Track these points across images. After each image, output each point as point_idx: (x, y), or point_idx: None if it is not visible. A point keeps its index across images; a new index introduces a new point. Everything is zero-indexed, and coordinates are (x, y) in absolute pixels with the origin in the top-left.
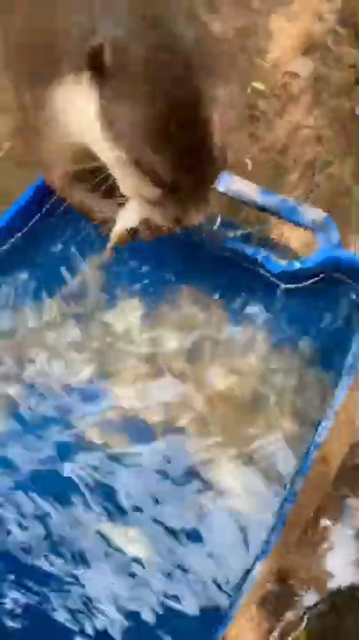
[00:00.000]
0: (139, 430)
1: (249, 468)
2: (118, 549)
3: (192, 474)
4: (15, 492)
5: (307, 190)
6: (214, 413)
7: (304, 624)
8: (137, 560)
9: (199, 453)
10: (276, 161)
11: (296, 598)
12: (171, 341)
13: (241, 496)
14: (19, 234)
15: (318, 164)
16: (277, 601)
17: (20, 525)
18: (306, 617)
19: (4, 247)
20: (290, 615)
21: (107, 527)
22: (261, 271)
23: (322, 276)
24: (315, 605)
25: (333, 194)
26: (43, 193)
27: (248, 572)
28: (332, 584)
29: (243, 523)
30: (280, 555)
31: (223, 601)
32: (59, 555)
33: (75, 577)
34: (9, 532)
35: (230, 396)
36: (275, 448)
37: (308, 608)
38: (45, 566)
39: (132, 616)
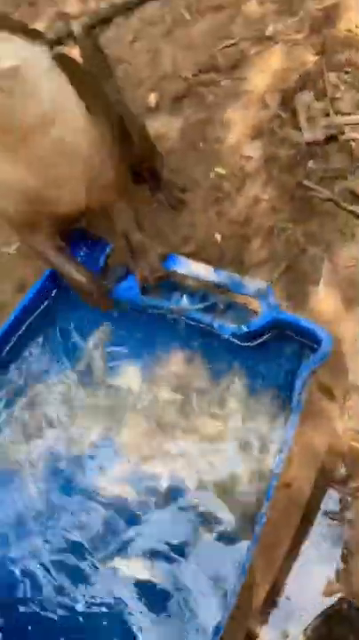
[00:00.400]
0: (144, 480)
1: (236, 501)
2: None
3: (190, 508)
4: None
5: (269, 254)
6: (209, 460)
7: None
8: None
9: (195, 492)
10: (241, 232)
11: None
12: (166, 396)
13: (229, 523)
14: (37, 312)
15: (276, 230)
16: None
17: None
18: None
19: (24, 325)
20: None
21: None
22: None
23: (271, 333)
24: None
25: (291, 254)
26: (56, 275)
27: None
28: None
29: (230, 544)
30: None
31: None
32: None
33: None
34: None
35: (220, 442)
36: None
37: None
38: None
39: None
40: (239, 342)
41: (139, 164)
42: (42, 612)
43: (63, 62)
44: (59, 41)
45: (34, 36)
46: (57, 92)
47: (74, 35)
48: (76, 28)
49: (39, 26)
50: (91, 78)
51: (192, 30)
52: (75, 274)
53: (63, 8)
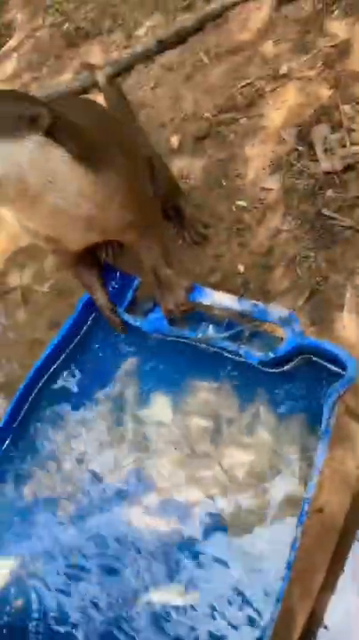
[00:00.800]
0: (178, 509)
1: (272, 529)
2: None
3: (222, 535)
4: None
5: (292, 282)
6: (241, 486)
7: None
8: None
9: (226, 519)
10: (264, 262)
11: None
12: (195, 425)
13: (262, 549)
14: (72, 344)
15: (298, 259)
16: None
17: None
18: None
19: (62, 356)
20: None
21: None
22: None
23: (297, 359)
24: None
25: (313, 282)
26: (89, 305)
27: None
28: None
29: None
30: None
31: None
32: None
33: None
34: None
35: (251, 469)
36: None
37: None
38: None
39: None
40: (266, 369)
41: (164, 203)
42: None
43: (63, 128)
44: (84, 90)
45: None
46: (46, 169)
47: (98, 84)
48: (100, 77)
49: (66, 77)
50: (117, 125)
51: (211, 73)
52: (101, 300)
53: (87, 59)
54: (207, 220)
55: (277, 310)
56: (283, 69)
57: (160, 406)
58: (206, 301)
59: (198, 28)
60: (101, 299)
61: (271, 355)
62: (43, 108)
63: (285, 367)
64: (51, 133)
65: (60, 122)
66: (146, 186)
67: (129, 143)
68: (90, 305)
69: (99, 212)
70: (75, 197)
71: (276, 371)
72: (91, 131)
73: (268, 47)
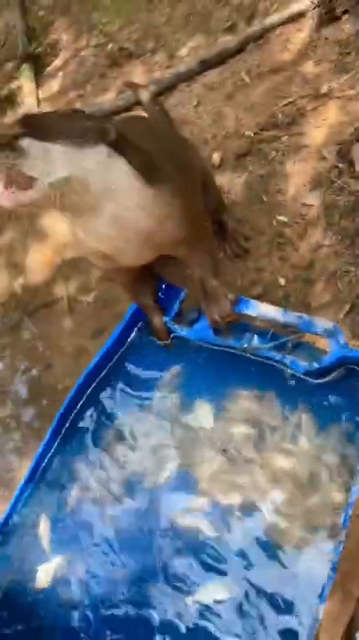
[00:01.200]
0: (221, 512)
1: (315, 533)
2: None
3: (266, 539)
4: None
5: (333, 296)
6: (282, 491)
7: None
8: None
9: (273, 525)
10: (304, 275)
11: None
12: (238, 432)
13: (306, 554)
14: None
15: (339, 273)
16: None
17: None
18: None
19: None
20: None
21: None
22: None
23: (339, 370)
24: None
25: (354, 295)
26: (137, 314)
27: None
28: None
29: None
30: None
31: None
32: None
33: None
34: None
35: (292, 475)
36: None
37: None
38: None
39: None
40: (309, 379)
41: (211, 215)
42: None
43: (124, 143)
44: (127, 109)
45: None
46: (108, 178)
47: (141, 102)
48: (144, 95)
49: (109, 96)
50: (173, 142)
51: (252, 92)
52: (153, 313)
53: (131, 78)
54: (248, 234)
55: (322, 322)
56: (324, 89)
57: (203, 413)
58: (252, 313)
59: (240, 48)
60: (156, 318)
61: (316, 365)
62: (111, 124)
63: (327, 378)
64: (116, 147)
65: (123, 138)
66: (198, 201)
67: (184, 159)
68: (137, 314)
69: (156, 226)
70: (134, 210)
71: (319, 381)
72: (149, 148)
73: (309, 67)
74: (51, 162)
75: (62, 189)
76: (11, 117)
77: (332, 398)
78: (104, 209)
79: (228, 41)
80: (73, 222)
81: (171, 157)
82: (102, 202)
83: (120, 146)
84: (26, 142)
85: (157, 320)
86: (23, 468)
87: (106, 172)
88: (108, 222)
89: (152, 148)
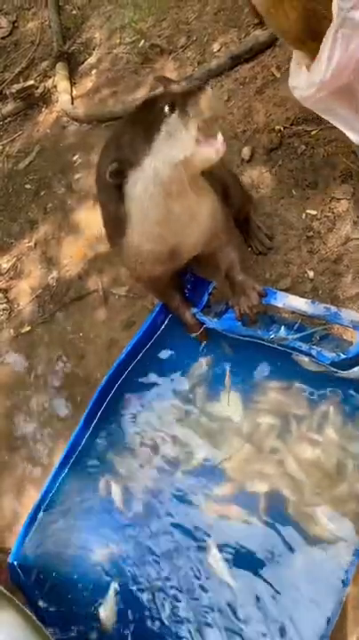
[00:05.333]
0: (247, 500)
1: (340, 521)
2: None
3: (293, 525)
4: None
5: None
6: (308, 480)
7: None
8: None
9: (298, 512)
10: (333, 268)
11: None
12: (265, 422)
13: (332, 540)
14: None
15: None
16: None
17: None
18: None
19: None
20: None
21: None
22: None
23: None
24: None
25: None
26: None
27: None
28: None
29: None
30: None
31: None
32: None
33: None
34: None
35: (318, 464)
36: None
37: None
38: None
39: None
40: (336, 370)
41: (236, 213)
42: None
43: None
44: None
45: None
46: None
47: None
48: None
49: (142, 92)
50: None
51: (282, 87)
52: (183, 309)
53: (163, 75)
54: (272, 232)
55: (349, 314)
56: None
57: (231, 403)
58: (279, 304)
59: (270, 43)
60: (187, 313)
61: (342, 355)
62: None
63: (354, 368)
64: None
65: None
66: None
67: None
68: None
69: (210, 214)
70: (196, 207)
71: (346, 372)
72: None
73: None
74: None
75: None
76: (46, 115)
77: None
78: (195, 188)
79: (259, 36)
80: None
81: None
82: (197, 181)
83: None
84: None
85: (188, 315)
86: (55, 457)
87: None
88: (192, 203)
89: None
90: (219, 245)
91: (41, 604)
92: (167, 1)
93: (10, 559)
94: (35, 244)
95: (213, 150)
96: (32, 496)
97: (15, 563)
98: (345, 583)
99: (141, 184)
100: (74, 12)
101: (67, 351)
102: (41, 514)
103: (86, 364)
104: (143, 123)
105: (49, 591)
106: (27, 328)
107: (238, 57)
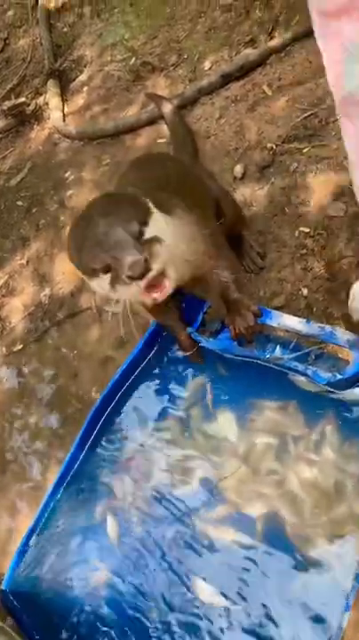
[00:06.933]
0: (244, 522)
1: (339, 544)
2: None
3: (290, 548)
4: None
5: None
6: (306, 502)
7: None
8: None
9: (297, 535)
10: (327, 286)
11: None
12: (262, 442)
13: (331, 567)
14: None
15: None
16: None
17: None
18: None
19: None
20: None
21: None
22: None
23: None
24: None
25: None
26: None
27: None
28: None
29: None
30: None
31: None
32: None
33: None
34: None
35: (316, 485)
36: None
37: None
38: None
39: None
40: (332, 390)
41: (229, 231)
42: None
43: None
44: (151, 122)
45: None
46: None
47: (164, 116)
48: (167, 109)
49: (133, 109)
50: (190, 175)
51: (274, 104)
52: (179, 330)
53: (154, 92)
54: (265, 250)
55: (344, 333)
56: None
57: (227, 423)
58: (274, 324)
59: (261, 61)
60: (182, 333)
61: (339, 376)
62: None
63: (350, 388)
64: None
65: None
66: (213, 220)
67: (199, 186)
68: (160, 326)
69: (187, 245)
70: (173, 238)
71: (342, 392)
72: (166, 181)
73: None
74: (164, 233)
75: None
76: (38, 131)
77: (355, 409)
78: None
79: (250, 54)
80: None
81: (179, 182)
82: (176, 247)
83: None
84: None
85: (184, 335)
86: (48, 474)
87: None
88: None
89: (173, 182)
90: (210, 267)
91: (33, 631)
92: (158, 19)
93: (2, 585)
94: (28, 261)
95: (149, 298)
96: (24, 514)
97: (7, 589)
98: (346, 609)
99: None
100: (65, 29)
101: (61, 369)
102: (34, 539)
103: (80, 382)
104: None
105: (42, 618)
106: (20, 346)
107: (229, 75)
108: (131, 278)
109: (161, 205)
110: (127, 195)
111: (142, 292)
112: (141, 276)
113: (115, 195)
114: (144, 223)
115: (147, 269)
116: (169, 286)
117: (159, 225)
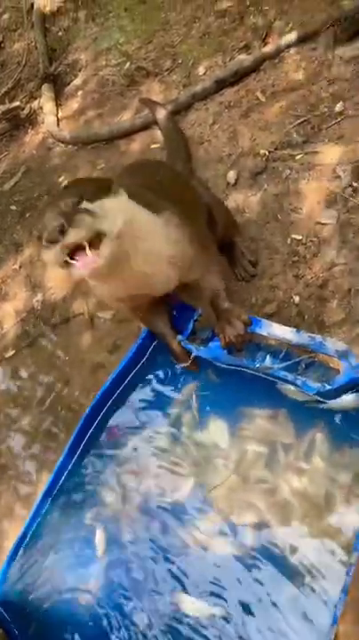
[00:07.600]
0: (234, 530)
1: (328, 555)
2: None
3: (279, 558)
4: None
5: (347, 314)
6: (295, 511)
7: None
8: None
9: (285, 543)
10: (318, 293)
11: None
12: (252, 450)
13: (319, 574)
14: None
15: (353, 291)
16: None
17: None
18: None
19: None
20: None
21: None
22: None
23: (353, 391)
24: None
25: None
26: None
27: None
28: None
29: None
30: None
31: None
32: None
33: None
34: None
35: (305, 495)
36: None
37: None
38: None
39: None
40: (322, 399)
41: (221, 239)
42: None
43: (135, 192)
44: (145, 127)
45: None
46: (136, 218)
47: (158, 121)
48: (160, 114)
49: (127, 114)
50: (182, 182)
51: (267, 111)
52: (170, 339)
53: (148, 97)
54: (257, 257)
55: (334, 343)
56: (338, 107)
57: (218, 431)
58: (264, 333)
59: (255, 67)
60: (173, 342)
61: (328, 386)
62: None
63: (340, 398)
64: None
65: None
66: (203, 222)
67: (191, 194)
68: (152, 333)
69: (174, 249)
70: (158, 240)
71: (332, 401)
72: (159, 187)
73: (323, 86)
74: (113, 214)
75: (122, 238)
76: (32, 136)
77: (345, 419)
78: (138, 248)
79: (244, 60)
80: (109, 278)
81: (179, 193)
82: (136, 242)
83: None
84: (97, 204)
85: (175, 344)
86: (41, 478)
87: (131, 212)
88: (143, 260)
89: (164, 186)
90: (199, 275)
91: None
92: (153, 24)
93: None
94: (20, 267)
95: (76, 272)
96: (17, 515)
97: None
98: (333, 621)
99: None
100: (60, 33)
101: (53, 375)
102: (22, 550)
103: (71, 388)
104: None
105: (31, 629)
106: (12, 352)
107: (223, 80)
108: (49, 242)
109: (149, 205)
110: (98, 178)
111: (61, 261)
112: (56, 240)
113: (89, 177)
114: (89, 200)
115: (63, 233)
116: (96, 262)
117: (111, 204)
